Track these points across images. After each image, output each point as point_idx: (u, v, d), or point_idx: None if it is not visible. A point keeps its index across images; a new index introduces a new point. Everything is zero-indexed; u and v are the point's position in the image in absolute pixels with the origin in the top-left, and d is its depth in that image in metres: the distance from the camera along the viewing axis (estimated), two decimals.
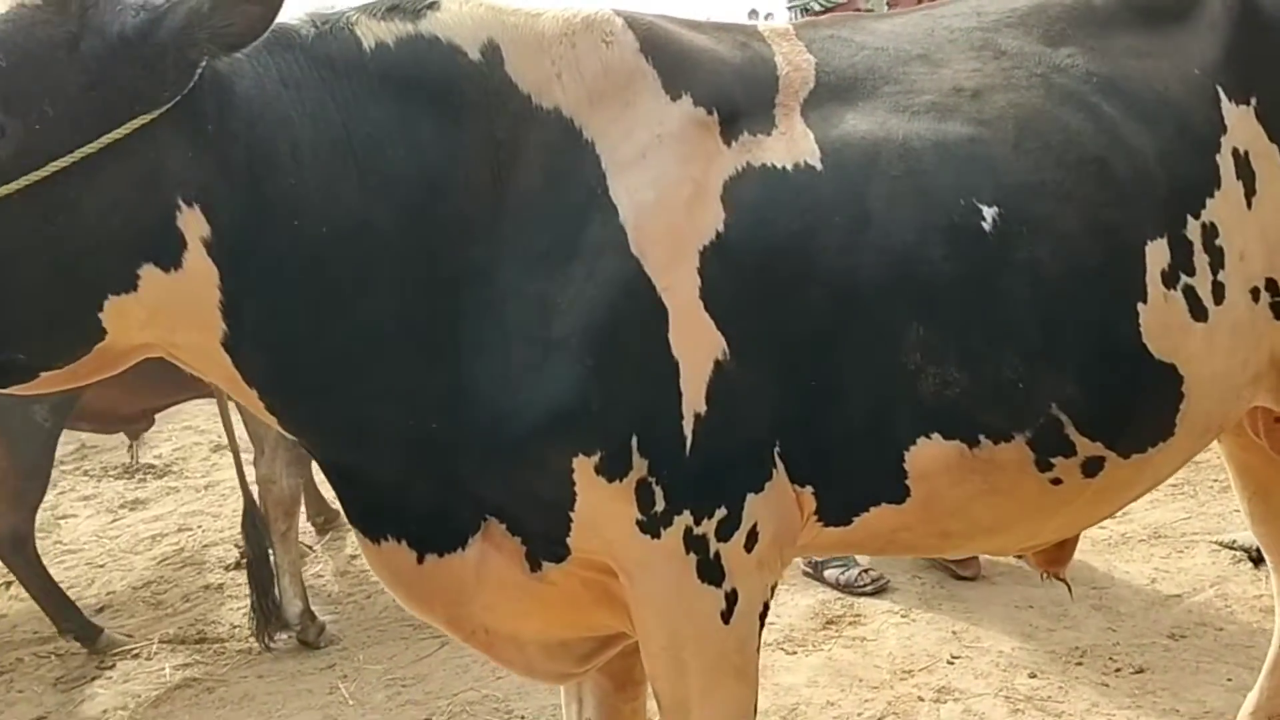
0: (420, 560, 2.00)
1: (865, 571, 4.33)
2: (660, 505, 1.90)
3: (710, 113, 1.94)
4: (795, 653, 3.89)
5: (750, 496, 1.96)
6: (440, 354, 1.85)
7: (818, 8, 4.48)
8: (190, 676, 4.17)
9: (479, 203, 1.84)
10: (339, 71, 1.81)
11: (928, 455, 1.99)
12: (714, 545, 1.95)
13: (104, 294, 1.67)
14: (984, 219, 1.93)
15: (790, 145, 1.95)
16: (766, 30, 2.12)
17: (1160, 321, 2.01)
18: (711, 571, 1.97)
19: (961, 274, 1.92)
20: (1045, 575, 2.54)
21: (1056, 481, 2.05)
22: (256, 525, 4.25)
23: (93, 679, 4.23)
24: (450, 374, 1.85)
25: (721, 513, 1.94)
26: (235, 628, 4.54)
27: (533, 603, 2.05)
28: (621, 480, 1.87)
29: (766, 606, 2.08)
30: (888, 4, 4.11)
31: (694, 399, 1.87)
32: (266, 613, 4.22)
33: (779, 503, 2.00)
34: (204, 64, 1.67)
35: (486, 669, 3.86)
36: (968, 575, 4.36)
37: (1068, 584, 2.62)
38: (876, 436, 1.99)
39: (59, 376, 1.76)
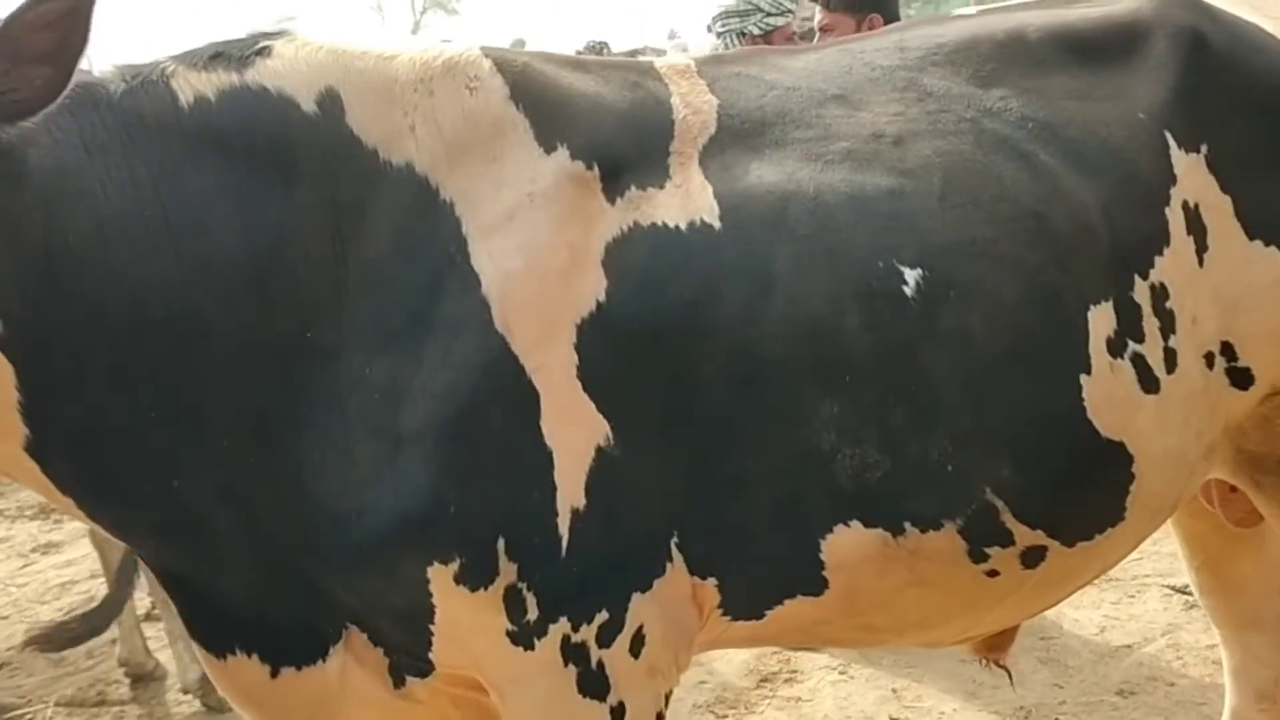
0: (274, 674, 1.77)
1: None
2: (533, 613, 1.68)
3: (590, 167, 1.71)
4: (727, 716, 3.67)
5: (636, 596, 1.74)
6: (278, 449, 1.62)
7: (756, 31, 4.26)
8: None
9: (319, 276, 1.61)
10: (151, 132, 1.58)
11: (847, 544, 1.78)
12: (596, 653, 1.73)
13: None
14: (905, 283, 1.72)
15: (685, 201, 1.73)
16: (664, 68, 1.90)
17: (1106, 395, 1.80)
18: (594, 684, 1.74)
19: (880, 345, 1.72)
20: (984, 661, 2.32)
21: (993, 574, 1.84)
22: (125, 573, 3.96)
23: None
24: (291, 470, 1.62)
25: (603, 616, 1.72)
26: (139, 690, 4.26)
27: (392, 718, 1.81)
28: (486, 589, 1.65)
29: (661, 717, 1.85)
30: (819, 31, 3.89)
31: (571, 493, 1.65)
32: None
33: (671, 600, 1.78)
34: None
35: None
36: None
37: (1008, 671, 2.40)
38: (789, 525, 1.77)
39: None
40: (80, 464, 1.59)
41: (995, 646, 2.27)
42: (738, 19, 4.18)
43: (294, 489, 1.63)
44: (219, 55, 1.65)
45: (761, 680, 3.88)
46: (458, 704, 1.81)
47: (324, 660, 1.76)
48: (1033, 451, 1.78)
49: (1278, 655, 2.39)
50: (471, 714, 1.82)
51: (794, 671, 3.94)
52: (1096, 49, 1.93)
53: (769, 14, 4.15)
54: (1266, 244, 1.89)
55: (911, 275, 1.72)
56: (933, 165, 1.78)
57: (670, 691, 1.88)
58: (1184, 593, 4.20)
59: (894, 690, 3.76)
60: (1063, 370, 1.78)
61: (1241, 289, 1.89)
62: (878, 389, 1.72)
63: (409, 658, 1.74)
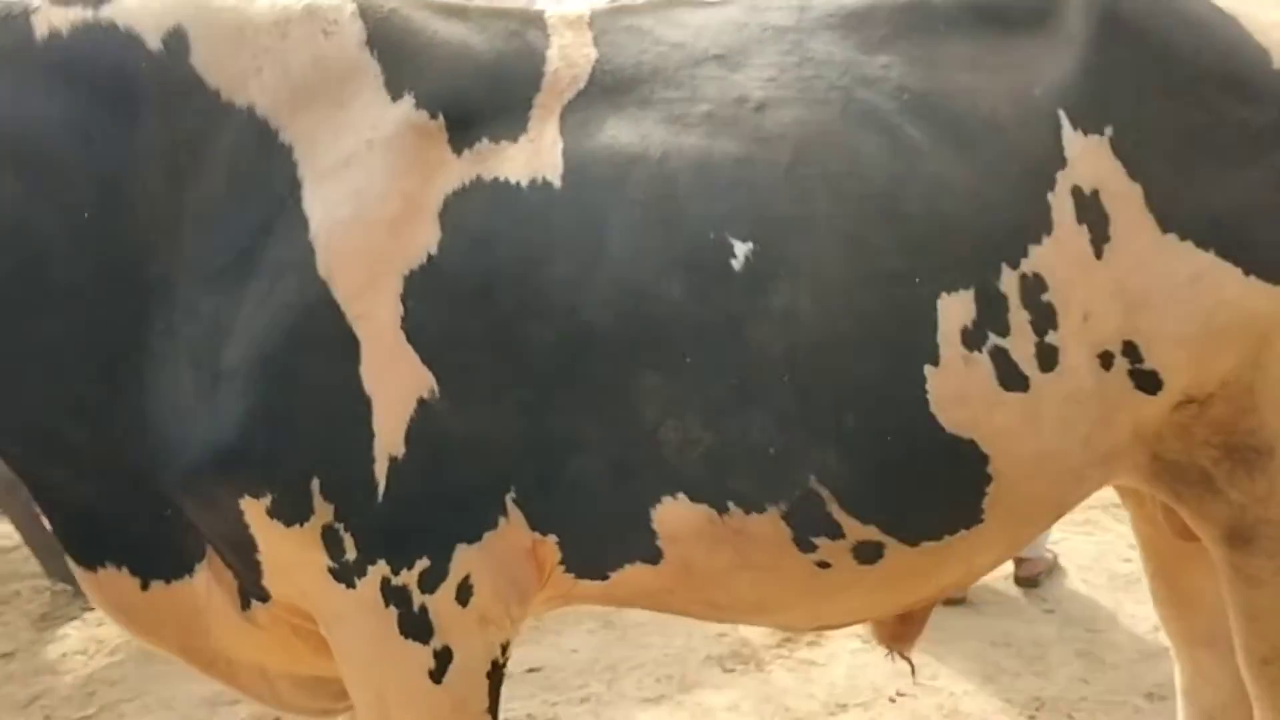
0: (145, 587, 1.86)
1: None
2: (351, 553, 1.72)
3: (434, 116, 1.70)
4: (733, 670, 3.66)
5: (461, 546, 1.75)
6: (120, 373, 1.69)
7: None
8: None
9: (157, 210, 1.67)
10: (6, 61, 1.64)
11: (674, 516, 1.74)
12: (418, 598, 1.76)
13: None
14: (735, 256, 1.65)
15: (532, 156, 1.71)
16: (553, 18, 1.86)
17: (955, 389, 1.69)
18: (416, 626, 1.77)
19: (704, 319, 1.66)
20: (890, 653, 2.24)
21: (824, 565, 1.77)
22: None
23: (71, 621, 4.28)
24: (133, 395, 1.69)
25: (424, 563, 1.74)
26: None
27: (251, 642, 1.90)
28: (302, 525, 1.69)
29: (497, 664, 1.87)
30: None
31: (390, 441, 1.67)
32: None
33: (504, 554, 1.78)
34: None
35: None
36: (950, 597, 4.03)
37: (910, 662, 2.31)
38: (620, 490, 1.75)
39: None
40: None
41: (897, 637, 2.19)
42: None
43: (138, 411, 1.70)
44: None
45: (783, 640, 3.84)
46: (298, 633, 1.86)
47: (190, 576, 1.84)
48: (863, 442, 1.69)
49: (1227, 676, 2.21)
50: (316, 644, 1.87)
51: (819, 639, 3.88)
52: (1006, 17, 1.77)
53: None
54: (1183, 238, 1.71)
55: (741, 248, 1.65)
56: (788, 134, 1.69)
57: (508, 642, 1.89)
58: None
59: (912, 666, 3.66)
60: (903, 359, 1.68)
61: (1151, 286, 1.72)
62: (700, 364, 1.66)
63: (250, 584, 1.81)
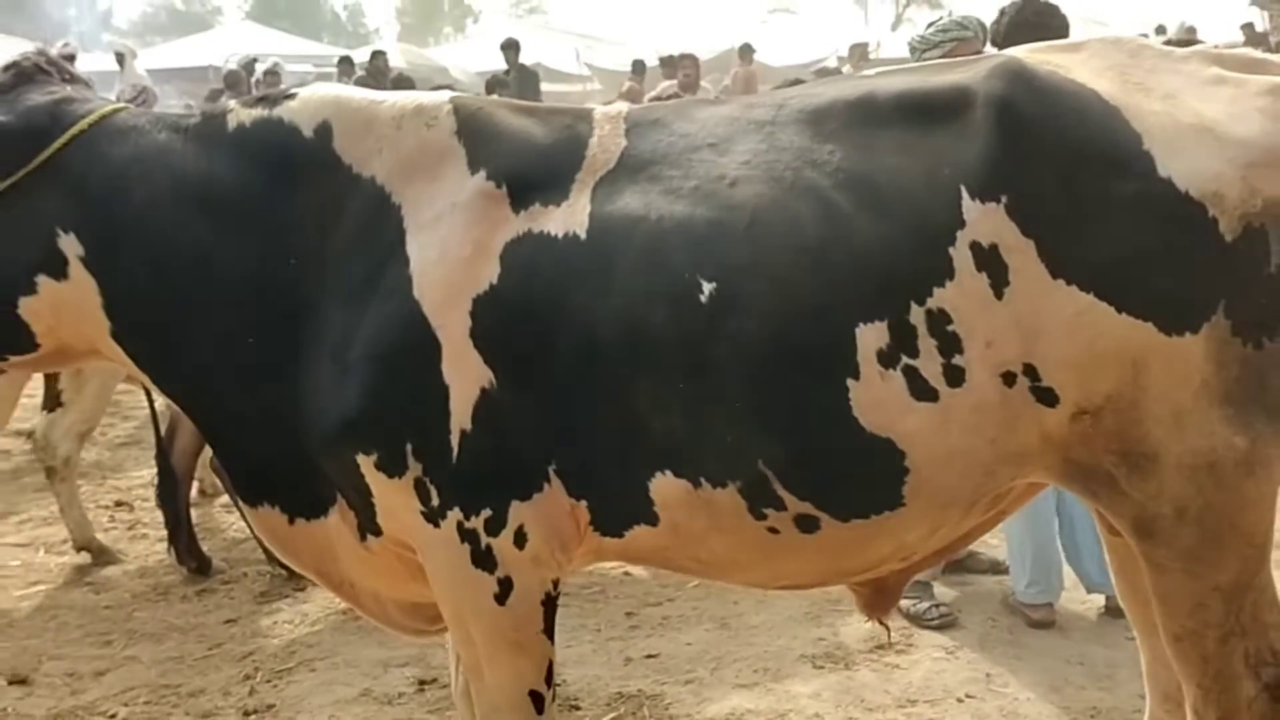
0: (291, 522, 2.57)
1: (935, 606, 4.46)
2: (435, 501, 2.36)
3: (500, 186, 2.36)
4: (823, 668, 4.12)
5: (516, 503, 2.37)
6: (282, 362, 2.41)
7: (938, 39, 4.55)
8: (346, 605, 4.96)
9: (308, 250, 2.39)
10: (207, 146, 2.43)
11: (665, 488, 2.32)
12: (484, 539, 2.38)
13: (15, 296, 2.39)
14: (703, 292, 2.22)
15: (568, 216, 2.33)
16: (599, 114, 2.50)
17: (873, 398, 2.20)
18: (484, 560, 2.40)
19: (679, 338, 2.23)
20: (869, 619, 2.72)
21: (774, 531, 2.30)
22: None
23: (282, 599, 5.11)
24: (291, 377, 2.41)
25: (487, 513, 2.37)
26: None
27: (368, 567, 2.57)
28: (400, 478, 2.35)
29: (549, 595, 2.48)
30: None
31: (461, 418, 2.32)
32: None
33: (550, 511, 2.39)
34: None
35: None
36: (1038, 620, 4.38)
37: (887, 628, 2.77)
38: (627, 468, 2.34)
39: (27, 363, 2.51)
40: (145, 352, 2.48)
41: (873, 606, 2.67)
42: (935, 50, 4.48)
43: (292, 392, 2.41)
44: (264, 98, 2.47)
45: (875, 647, 4.28)
46: (402, 561, 2.52)
47: (325, 516, 2.54)
48: (798, 436, 2.22)
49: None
50: (414, 570, 2.52)
51: (910, 644, 4.30)
52: (929, 111, 2.28)
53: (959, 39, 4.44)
54: (1069, 283, 2.16)
55: (708, 287, 2.22)
56: (748, 204, 2.25)
57: (558, 580, 2.49)
58: None
59: (987, 674, 4.04)
60: (828, 374, 2.19)
61: (1043, 320, 2.18)
62: (677, 371, 2.24)
63: (368, 520, 2.48)
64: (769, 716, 3.79)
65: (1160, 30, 21.56)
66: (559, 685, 3.94)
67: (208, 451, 5.42)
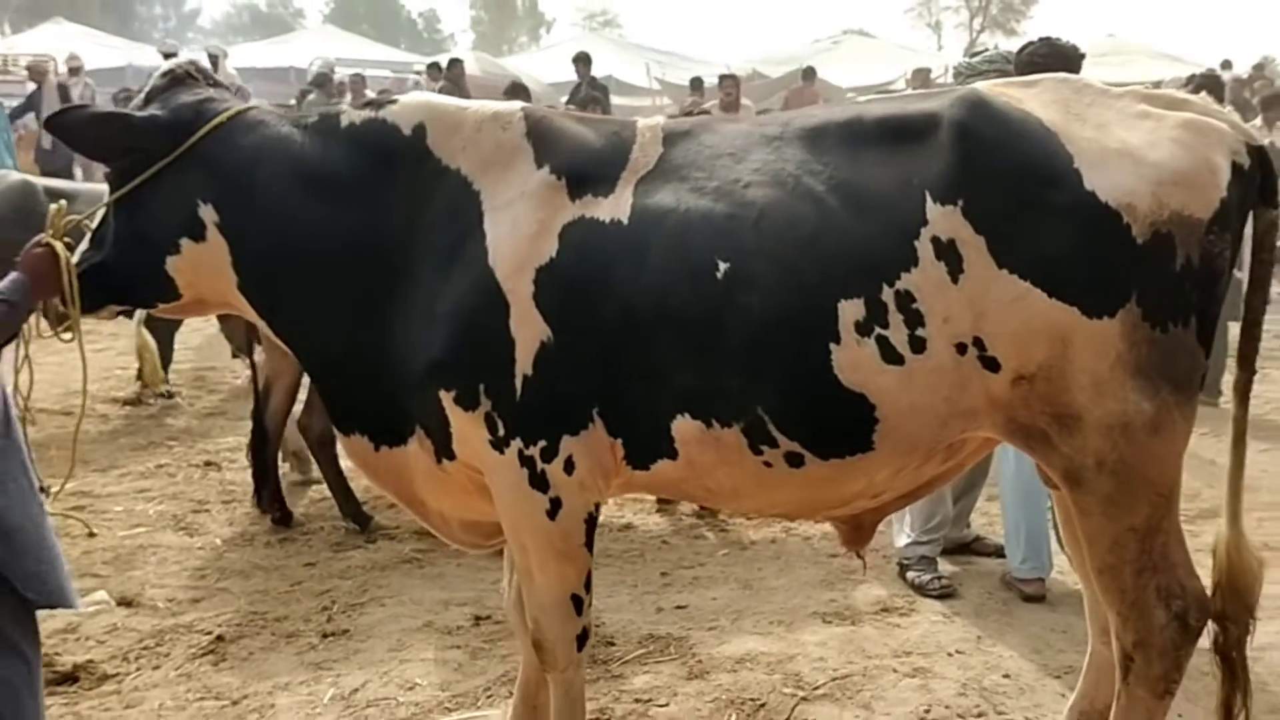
0: (376, 449, 3.16)
1: (938, 578, 4.97)
2: (501, 431, 2.94)
3: (560, 179, 2.94)
4: (831, 623, 4.65)
5: (566, 437, 2.94)
6: (375, 314, 2.99)
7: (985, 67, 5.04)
8: (415, 552, 5.57)
9: (404, 223, 2.98)
10: (323, 138, 3.05)
11: (684, 428, 2.88)
12: (540, 465, 2.96)
13: (163, 255, 3.01)
14: (718, 270, 2.78)
15: (614, 206, 2.90)
16: (642, 125, 3.07)
17: (850, 360, 2.74)
18: (539, 482, 2.97)
19: (700, 307, 2.79)
20: (848, 551, 3.26)
21: (769, 465, 2.85)
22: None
23: (355, 548, 5.73)
24: (380, 328, 2.99)
25: (543, 444, 2.94)
26: None
27: (441, 486, 3.15)
28: (474, 411, 2.93)
29: (591, 515, 3.05)
30: None
31: (523, 365, 2.89)
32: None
33: (594, 445, 2.96)
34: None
35: None
36: (1030, 594, 4.87)
37: (863, 558, 3.31)
38: (653, 411, 2.90)
39: (176, 309, 3.14)
40: (264, 304, 3.08)
41: (851, 541, 3.21)
42: (979, 77, 4.98)
43: (385, 338, 3.00)
44: (371, 103, 3.08)
45: (881, 609, 4.80)
46: (472, 480, 3.09)
47: (405, 445, 3.12)
48: (790, 388, 2.77)
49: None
50: (480, 488, 3.07)
51: (912, 608, 4.81)
52: (906, 132, 2.82)
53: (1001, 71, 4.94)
54: (1011, 272, 2.69)
55: (723, 267, 2.77)
56: (758, 202, 2.80)
57: (599, 503, 3.06)
58: None
59: (977, 636, 4.54)
60: (815, 339, 2.73)
61: (990, 302, 2.71)
62: (696, 334, 2.79)
63: (445, 447, 3.05)
64: (779, 658, 4.31)
65: (1226, 65, 21.79)
66: (598, 627, 4.54)
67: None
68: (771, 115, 3.22)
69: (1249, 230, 2.89)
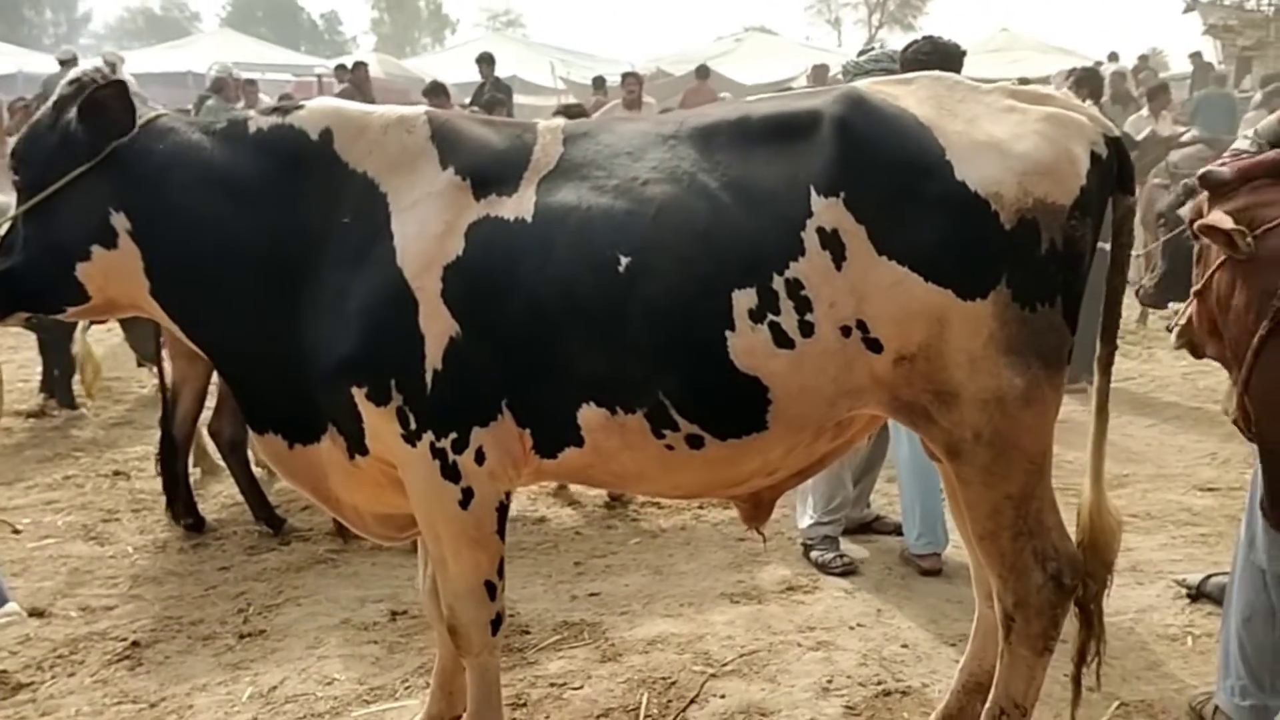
0: (290, 447, 3.24)
1: (840, 556, 5.17)
2: (413, 425, 3.04)
3: (465, 179, 3.04)
4: (739, 603, 4.81)
5: (476, 428, 3.04)
6: (285, 316, 3.07)
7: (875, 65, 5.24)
8: (329, 553, 5.61)
9: (312, 226, 3.06)
10: (231, 144, 3.11)
11: (589, 416, 3.00)
12: (451, 456, 3.06)
13: (74, 261, 3.05)
14: (620, 264, 2.91)
15: (517, 204, 3.02)
16: (543, 127, 3.19)
17: (745, 346, 2.89)
18: (450, 473, 3.07)
19: (602, 300, 2.91)
20: (749, 528, 3.42)
21: (670, 448, 2.99)
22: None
23: (269, 550, 5.75)
24: (291, 329, 3.07)
25: (453, 436, 3.04)
26: None
27: (355, 482, 3.24)
28: (385, 406, 3.03)
29: (502, 504, 3.16)
30: None
31: (433, 360, 2.99)
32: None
33: (503, 436, 3.07)
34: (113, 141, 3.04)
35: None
36: (927, 568, 5.09)
37: (763, 535, 3.47)
38: (559, 402, 3.02)
39: (82, 312, 3.17)
40: (174, 308, 3.14)
41: (752, 518, 3.37)
42: (865, 75, 5.17)
43: (297, 339, 3.08)
44: (278, 109, 3.15)
45: (786, 588, 4.98)
46: (385, 475, 3.19)
47: (318, 442, 3.21)
48: (689, 375, 2.91)
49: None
50: (394, 482, 3.17)
51: (816, 586, 5.00)
52: (790, 129, 2.97)
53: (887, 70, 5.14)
54: (890, 258, 2.85)
55: (624, 260, 2.90)
56: (656, 198, 2.93)
57: (510, 491, 3.17)
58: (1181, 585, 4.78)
59: (878, 610, 4.74)
60: (711, 326, 2.87)
61: (870, 287, 2.87)
62: (599, 325, 2.91)
63: (357, 443, 3.14)
64: (689, 638, 4.47)
65: (1113, 58, 22.53)
66: (513, 616, 4.66)
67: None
68: (667, 114, 3.36)
69: (1109, 215, 3.10)
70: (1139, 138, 11.37)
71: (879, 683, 4.07)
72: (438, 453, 3.05)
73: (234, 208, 3.07)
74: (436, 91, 12.23)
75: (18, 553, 5.72)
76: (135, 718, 4.03)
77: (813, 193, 2.88)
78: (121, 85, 3.08)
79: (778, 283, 2.88)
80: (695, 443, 2.99)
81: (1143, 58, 23.91)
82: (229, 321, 3.13)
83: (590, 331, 2.93)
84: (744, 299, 2.88)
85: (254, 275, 3.08)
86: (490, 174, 3.06)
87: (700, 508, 5.97)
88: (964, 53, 5.23)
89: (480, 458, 3.06)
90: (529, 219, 3.00)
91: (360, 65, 16.27)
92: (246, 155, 3.10)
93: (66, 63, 12.94)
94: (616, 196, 2.97)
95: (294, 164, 3.09)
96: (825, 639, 4.45)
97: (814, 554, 5.23)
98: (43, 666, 4.43)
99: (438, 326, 2.98)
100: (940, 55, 4.91)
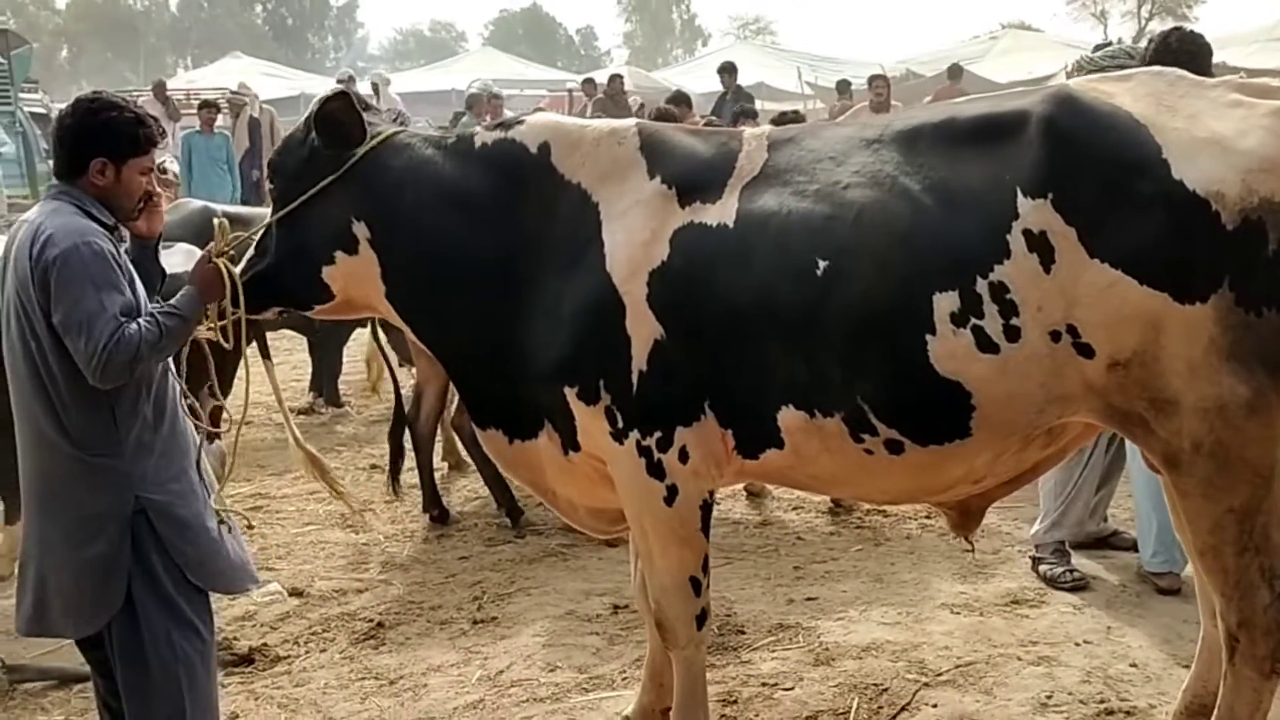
0: (510, 443, 3.44)
1: (1070, 571, 4.99)
2: (620, 424, 3.17)
3: (670, 188, 3.16)
4: (959, 614, 4.73)
5: (680, 428, 3.15)
6: (506, 318, 3.26)
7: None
8: (560, 546, 5.85)
9: (530, 234, 3.24)
10: (460, 158, 3.33)
11: (789, 418, 3.06)
12: (656, 454, 3.18)
13: (320, 265, 3.33)
14: (818, 269, 2.95)
15: (720, 211, 3.10)
16: (748, 135, 3.26)
17: (947, 350, 2.87)
18: (656, 471, 3.19)
19: (802, 304, 2.96)
20: (957, 536, 3.37)
21: (869, 452, 3.00)
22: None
23: (505, 543, 6.02)
24: (510, 331, 3.26)
25: (658, 434, 3.16)
26: None
27: (568, 476, 3.40)
28: (594, 405, 3.17)
29: (706, 502, 3.25)
30: None
31: (639, 361, 3.12)
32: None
33: (706, 436, 3.17)
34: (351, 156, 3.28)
35: None
36: (1164, 587, 4.85)
37: (971, 544, 3.41)
38: (761, 404, 3.09)
39: (326, 310, 3.45)
40: (410, 307, 3.37)
41: (959, 526, 3.33)
42: (1099, 71, 5.00)
43: (516, 341, 3.26)
44: (501, 124, 3.35)
45: (1011, 602, 4.85)
46: (597, 470, 3.32)
47: (536, 439, 3.38)
48: (889, 379, 2.91)
49: None
50: (604, 477, 3.30)
51: (1043, 601, 4.85)
52: (997, 130, 2.93)
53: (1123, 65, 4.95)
54: (1102, 261, 2.78)
55: (823, 264, 2.94)
56: (856, 202, 2.95)
57: (714, 490, 3.26)
58: None
59: (1108, 627, 4.55)
60: (912, 331, 2.87)
61: (1081, 290, 2.80)
62: (798, 329, 2.96)
63: (570, 439, 3.30)
64: (905, 646, 4.43)
65: None
66: (730, 617, 4.74)
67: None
68: (874, 118, 3.36)
69: None
70: None
71: (1102, 701, 3.93)
72: (643, 450, 3.17)
73: (460, 218, 3.28)
74: (679, 101, 12.46)
75: (283, 537, 6.24)
76: (376, 692, 4.33)
77: (1019, 194, 2.84)
78: (346, 96, 3.34)
79: (981, 286, 2.85)
80: (895, 448, 2.99)
81: None
82: (454, 324, 3.35)
83: (788, 335, 2.99)
84: (945, 302, 2.87)
85: (478, 281, 3.28)
86: (695, 182, 3.16)
87: (927, 516, 5.88)
88: (1209, 48, 4.95)
89: (684, 456, 3.16)
90: (731, 225, 3.07)
91: (615, 78, 16.79)
92: (472, 168, 3.32)
93: (344, 83, 13.92)
94: (817, 201, 3.01)
95: (515, 176, 3.28)
96: (1048, 654, 4.32)
97: (1042, 567, 5.07)
98: (299, 642, 4.82)
99: (643, 330, 3.09)
100: (1189, 44, 4.67)
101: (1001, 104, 3.03)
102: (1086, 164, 2.82)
